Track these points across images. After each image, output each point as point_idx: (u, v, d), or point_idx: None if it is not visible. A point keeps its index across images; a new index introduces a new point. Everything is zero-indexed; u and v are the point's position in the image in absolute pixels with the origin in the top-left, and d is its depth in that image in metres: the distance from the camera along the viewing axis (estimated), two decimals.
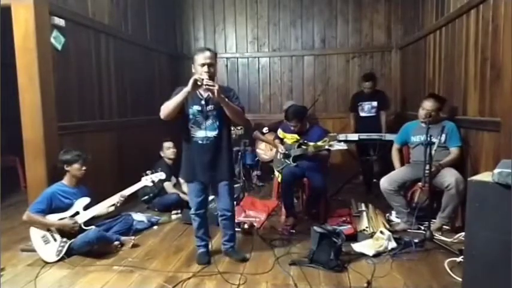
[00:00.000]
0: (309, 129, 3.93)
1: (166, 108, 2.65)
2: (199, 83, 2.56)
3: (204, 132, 2.75)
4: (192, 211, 2.93)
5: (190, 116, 2.75)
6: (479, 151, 3.28)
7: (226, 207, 2.92)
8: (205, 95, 2.74)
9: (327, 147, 3.65)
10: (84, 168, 3.24)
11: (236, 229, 3.54)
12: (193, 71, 2.74)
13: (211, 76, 2.64)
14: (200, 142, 2.76)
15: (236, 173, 5.17)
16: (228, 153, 2.87)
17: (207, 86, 2.55)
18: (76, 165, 3.20)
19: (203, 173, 2.78)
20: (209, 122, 2.75)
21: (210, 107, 2.74)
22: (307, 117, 4.03)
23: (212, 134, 2.76)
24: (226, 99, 2.67)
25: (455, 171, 3.26)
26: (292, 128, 3.85)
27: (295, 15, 6.26)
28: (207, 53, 2.69)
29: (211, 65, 2.68)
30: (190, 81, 2.56)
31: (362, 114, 5.09)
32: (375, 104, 5.02)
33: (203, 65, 2.65)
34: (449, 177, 3.20)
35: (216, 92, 2.56)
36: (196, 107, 2.75)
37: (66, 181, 3.20)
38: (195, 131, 2.76)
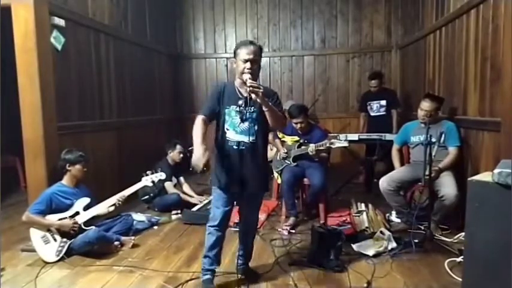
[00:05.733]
0: (311, 130, 3.93)
1: (193, 134, 2.34)
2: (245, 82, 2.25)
3: (240, 137, 2.40)
4: (213, 223, 2.50)
5: (226, 117, 2.41)
6: (479, 151, 3.28)
7: (253, 220, 2.69)
8: (245, 94, 2.38)
9: (328, 145, 3.65)
10: (85, 169, 3.24)
11: (235, 229, 3.55)
12: (233, 66, 2.44)
13: (254, 74, 2.32)
14: (235, 147, 2.41)
15: None
16: (264, 162, 2.60)
17: (251, 88, 2.23)
18: (78, 166, 3.20)
19: (236, 181, 2.42)
20: (246, 125, 2.41)
21: (249, 109, 2.39)
22: (308, 115, 4.04)
23: (249, 139, 2.40)
24: (270, 103, 2.35)
25: (453, 181, 3.21)
26: (297, 126, 3.84)
27: (295, 15, 6.26)
28: (251, 47, 2.35)
29: (255, 62, 2.34)
30: (196, 157, 2.21)
31: (372, 113, 5.08)
32: (383, 102, 4.99)
33: (246, 60, 2.32)
34: (446, 188, 3.17)
35: (261, 95, 2.26)
36: (234, 107, 2.41)
37: (66, 181, 3.20)
38: (230, 134, 2.41)
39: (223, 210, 2.49)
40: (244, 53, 2.34)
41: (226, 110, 2.42)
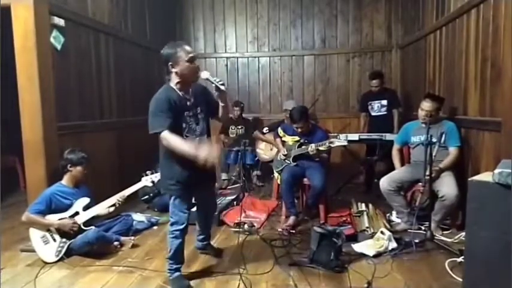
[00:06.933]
0: (311, 130, 3.93)
1: (172, 148, 2.31)
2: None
3: (198, 139, 2.48)
4: (179, 227, 2.54)
5: (184, 125, 2.44)
6: (479, 151, 3.27)
7: (213, 208, 2.89)
8: (191, 97, 2.49)
9: (328, 144, 3.66)
10: (85, 171, 3.24)
11: (236, 229, 3.56)
12: (173, 70, 2.38)
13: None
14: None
15: (236, 173, 5.18)
16: None
17: (223, 87, 2.42)
18: (79, 168, 3.20)
19: (198, 181, 2.52)
20: (201, 126, 2.53)
21: (198, 110, 2.51)
22: (309, 116, 4.04)
23: (203, 138, 2.54)
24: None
25: (454, 182, 3.21)
26: (298, 130, 3.85)
27: (295, 15, 6.25)
28: (188, 46, 2.40)
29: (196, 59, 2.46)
30: (208, 161, 2.21)
31: (372, 113, 5.05)
32: (384, 102, 4.96)
33: (192, 60, 2.37)
34: (446, 188, 3.17)
35: (225, 94, 2.49)
36: (187, 113, 2.46)
37: (65, 181, 3.20)
38: (191, 140, 2.44)
39: (188, 214, 2.58)
40: (186, 53, 2.36)
41: (182, 118, 2.44)
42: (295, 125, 3.85)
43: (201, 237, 3.02)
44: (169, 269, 2.60)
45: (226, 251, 3.10)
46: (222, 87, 2.44)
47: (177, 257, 2.60)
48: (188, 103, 2.47)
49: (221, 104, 2.56)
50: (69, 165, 3.18)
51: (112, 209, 3.31)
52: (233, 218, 3.83)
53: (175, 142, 2.29)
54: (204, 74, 2.44)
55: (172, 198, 2.56)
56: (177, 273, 2.59)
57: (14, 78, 3.22)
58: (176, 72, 2.39)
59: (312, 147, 3.70)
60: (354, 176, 5.07)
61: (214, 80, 2.43)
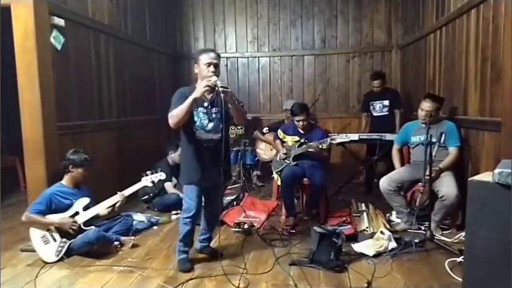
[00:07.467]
0: (311, 129, 3.94)
1: (176, 117, 2.57)
2: (211, 87, 2.51)
3: (208, 135, 2.71)
4: (188, 214, 2.76)
5: (195, 119, 2.69)
6: (479, 151, 3.27)
7: (219, 208, 2.95)
8: (209, 97, 2.69)
9: (329, 141, 3.67)
10: (85, 173, 3.25)
11: (236, 229, 3.56)
12: (195, 71, 2.70)
13: (218, 76, 2.61)
14: (205, 145, 2.71)
15: (236, 173, 5.18)
16: (227, 155, 2.89)
17: (222, 89, 2.51)
18: (80, 170, 3.20)
19: (205, 175, 2.72)
20: (214, 124, 2.72)
21: (214, 110, 2.72)
22: (309, 114, 4.05)
23: (216, 136, 2.72)
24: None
25: (453, 182, 3.21)
26: (299, 124, 3.85)
27: (295, 15, 6.26)
28: (212, 54, 2.67)
29: (217, 66, 2.65)
30: (202, 87, 2.49)
31: (374, 113, 5.04)
32: (386, 102, 4.95)
33: (209, 64, 2.61)
34: (446, 188, 3.17)
35: (230, 95, 2.59)
36: (201, 109, 2.70)
37: (65, 181, 3.20)
38: (200, 134, 2.71)
39: (197, 202, 2.78)
40: (207, 58, 2.63)
41: (195, 112, 2.68)
42: (297, 118, 3.84)
43: (203, 237, 3.04)
44: (178, 250, 2.85)
45: (226, 251, 3.10)
46: (221, 89, 2.52)
47: (186, 240, 2.84)
48: (205, 102, 2.70)
49: (229, 106, 2.67)
50: (71, 165, 3.18)
51: (111, 209, 3.30)
52: (233, 218, 3.83)
53: (177, 109, 2.55)
54: (213, 79, 2.54)
55: (185, 186, 2.80)
56: (183, 255, 2.83)
57: (14, 77, 3.22)
58: (196, 73, 2.71)
59: (314, 145, 3.70)
60: (354, 176, 5.07)
61: (218, 85, 2.53)
